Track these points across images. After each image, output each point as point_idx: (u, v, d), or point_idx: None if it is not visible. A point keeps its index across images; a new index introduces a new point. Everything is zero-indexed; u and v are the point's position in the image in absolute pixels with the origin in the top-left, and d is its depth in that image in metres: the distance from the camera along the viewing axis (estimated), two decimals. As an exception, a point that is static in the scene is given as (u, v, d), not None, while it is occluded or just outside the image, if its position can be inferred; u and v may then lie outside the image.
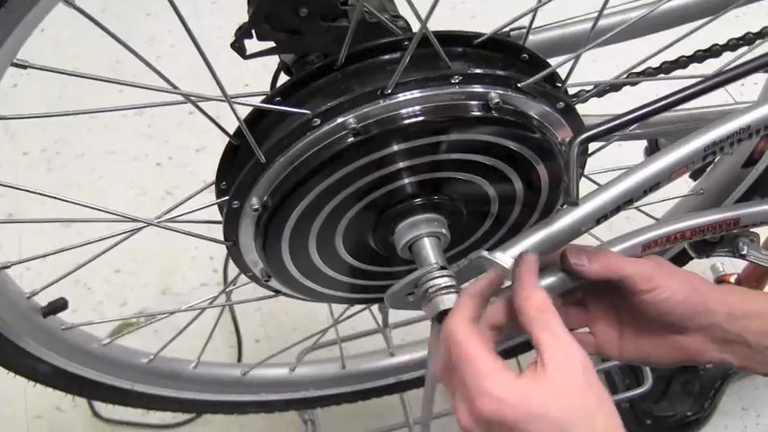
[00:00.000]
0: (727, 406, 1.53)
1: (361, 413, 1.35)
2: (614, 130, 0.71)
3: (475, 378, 0.67)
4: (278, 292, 0.90)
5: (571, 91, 0.83)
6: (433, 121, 0.71)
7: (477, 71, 0.71)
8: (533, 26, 0.81)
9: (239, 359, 1.56)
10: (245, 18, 0.73)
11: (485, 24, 0.74)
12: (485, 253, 0.77)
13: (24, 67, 0.61)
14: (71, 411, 1.48)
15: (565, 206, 0.78)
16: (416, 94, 0.70)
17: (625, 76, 0.88)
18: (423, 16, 0.66)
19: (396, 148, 0.71)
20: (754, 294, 0.88)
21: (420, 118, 0.70)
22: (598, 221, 0.77)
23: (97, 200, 1.75)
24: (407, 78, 0.69)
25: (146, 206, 1.78)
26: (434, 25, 0.68)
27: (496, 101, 0.71)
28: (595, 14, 0.77)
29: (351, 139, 0.70)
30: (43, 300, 0.89)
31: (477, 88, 0.71)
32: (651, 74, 0.89)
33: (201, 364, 1.09)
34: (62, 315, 0.92)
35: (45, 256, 0.84)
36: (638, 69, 0.88)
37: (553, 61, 0.78)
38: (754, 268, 1.31)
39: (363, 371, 1.22)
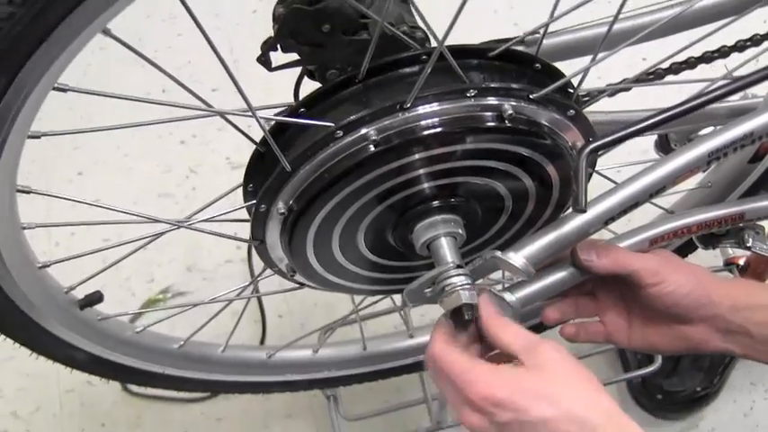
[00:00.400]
0: (735, 381, 1.57)
1: (382, 387, 1.39)
2: (622, 140, 0.75)
3: (461, 376, 0.74)
4: (302, 285, 0.94)
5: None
6: (449, 132, 0.74)
7: (491, 85, 0.74)
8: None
9: (263, 337, 1.60)
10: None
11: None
12: (497, 253, 0.81)
13: (64, 90, 0.65)
14: (101, 386, 1.53)
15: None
16: (434, 107, 0.73)
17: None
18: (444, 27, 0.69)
19: (414, 156, 0.75)
20: (758, 287, 0.91)
21: (437, 129, 0.74)
22: (606, 223, 0.81)
23: (123, 177, 1.80)
24: (425, 93, 0.72)
25: (171, 183, 1.82)
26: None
27: (510, 112, 0.74)
28: (609, 19, 0.80)
29: (372, 149, 0.74)
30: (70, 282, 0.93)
31: (492, 101, 0.74)
32: (660, 74, 0.92)
33: (229, 348, 1.13)
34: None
35: (82, 255, 0.88)
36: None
37: (567, 64, 0.81)
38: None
39: (384, 352, 1.26)
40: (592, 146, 0.73)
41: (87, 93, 0.67)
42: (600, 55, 0.79)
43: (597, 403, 0.71)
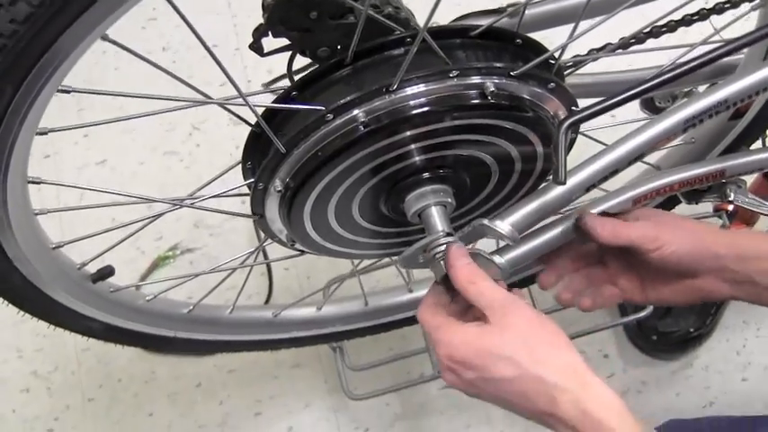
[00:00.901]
0: (728, 320, 1.61)
1: (387, 336, 1.42)
2: (601, 112, 0.78)
3: (431, 336, 0.80)
4: (303, 252, 0.99)
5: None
6: (434, 111, 0.77)
7: (473, 65, 0.77)
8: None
9: (269, 294, 1.65)
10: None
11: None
12: (485, 221, 0.85)
13: (68, 92, 0.69)
14: (117, 344, 1.59)
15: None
16: (419, 88, 0.77)
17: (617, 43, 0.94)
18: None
19: (401, 135, 0.79)
20: (763, 237, 0.94)
21: (423, 109, 0.77)
22: (587, 190, 0.85)
23: (128, 137, 1.82)
24: (410, 76, 0.76)
25: (175, 141, 1.84)
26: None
27: (492, 89, 0.77)
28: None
29: (361, 129, 0.77)
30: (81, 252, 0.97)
31: (474, 79, 0.78)
32: (642, 39, 0.95)
33: (237, 309, 1.18)
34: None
35: (94, 235, 0.92)
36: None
37: (548, 36, 0.84)
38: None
39: (385, 306, 1.31)
40: (569, 121, 0.77)
41: (90, 93, 0.71)
42: (581, 25, 0.82)
43: (558, 361, 0.75)
